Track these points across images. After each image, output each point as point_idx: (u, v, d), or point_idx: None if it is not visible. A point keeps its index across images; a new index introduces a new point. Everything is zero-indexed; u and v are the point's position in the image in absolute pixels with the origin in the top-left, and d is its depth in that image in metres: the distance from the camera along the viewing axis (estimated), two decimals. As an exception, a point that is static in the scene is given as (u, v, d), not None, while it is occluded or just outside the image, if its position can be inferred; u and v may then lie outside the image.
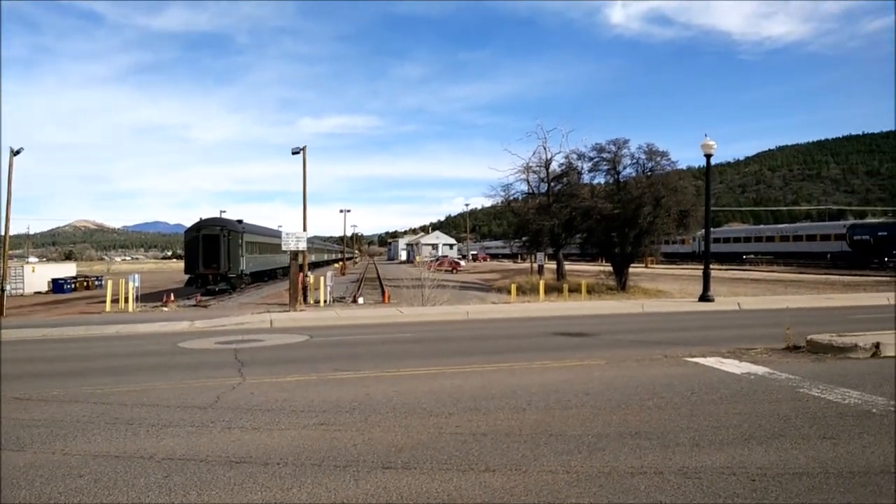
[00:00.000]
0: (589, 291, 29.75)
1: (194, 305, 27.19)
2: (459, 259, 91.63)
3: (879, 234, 57.47)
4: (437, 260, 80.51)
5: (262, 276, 46.73)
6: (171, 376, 9.61)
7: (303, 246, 24.28)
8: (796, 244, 66.97)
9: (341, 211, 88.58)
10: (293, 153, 31.18)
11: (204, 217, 39.45)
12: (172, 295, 27.55)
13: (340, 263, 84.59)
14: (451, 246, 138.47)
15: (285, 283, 37.52)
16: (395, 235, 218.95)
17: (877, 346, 10.28)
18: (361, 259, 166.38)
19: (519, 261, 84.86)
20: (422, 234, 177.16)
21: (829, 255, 60.98)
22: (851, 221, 72.09)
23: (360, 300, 28.48)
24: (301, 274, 26.23)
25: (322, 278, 28.29)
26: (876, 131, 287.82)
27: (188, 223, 40.57)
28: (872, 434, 5.90)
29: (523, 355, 11.20)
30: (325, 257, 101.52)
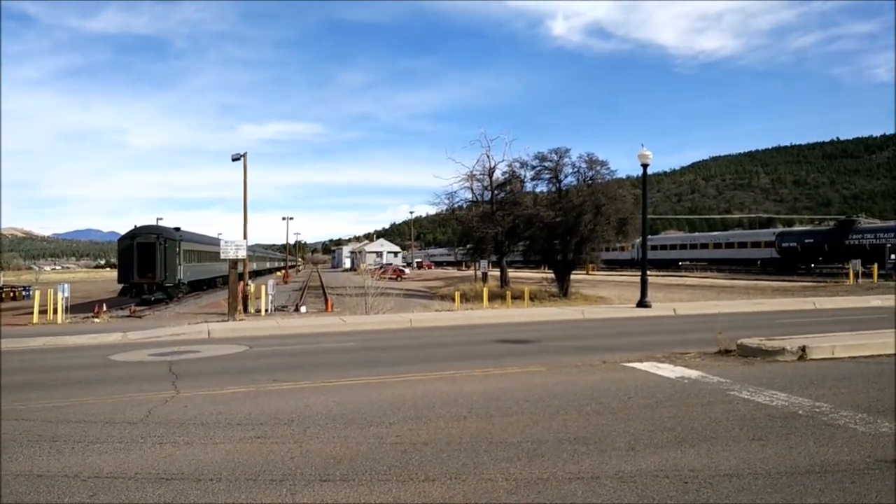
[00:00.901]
0: (532, 298, 30.11)
1: (128, 316, 26.27)
2: (404, 267, 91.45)
3: (806, 241, 60.15)
4: (382, 268, 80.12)
5: (201, 286, 45.56)
6: (100, 390, 9.23)
7: (243, 254, 23.78)
8: (729, 251, 69.46)
9: (284, 218, 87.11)
10: (234, 160, 30.55)
11: (139, 224, 38.26)
12: (105, 305, 26.53)
13: (283, 272, 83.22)
14: (395, 254, 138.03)
15: (225, 292, 36.65)
16: (340, 243, 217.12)
17: (803, 349, 10.72)
18: (305, 267, 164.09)
19: (463, 268, 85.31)
20: (366, 241, 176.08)
21: (759, 262, 63.45)
22: (780, 229, 75.26)
23: (303, 309, 28.07)
24: (241, 283, 25.69)
25: (263, 287, 27.77)
26: (803, 143, 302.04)
27: (122, 231, 39.29)
28: (799, 435, 6.14)
29: (466, 363, 11.22)
30: (267, 265, 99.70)
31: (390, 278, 61.59)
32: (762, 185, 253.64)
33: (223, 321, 21.33)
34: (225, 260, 24.35)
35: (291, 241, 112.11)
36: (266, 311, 26.63)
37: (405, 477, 5.10)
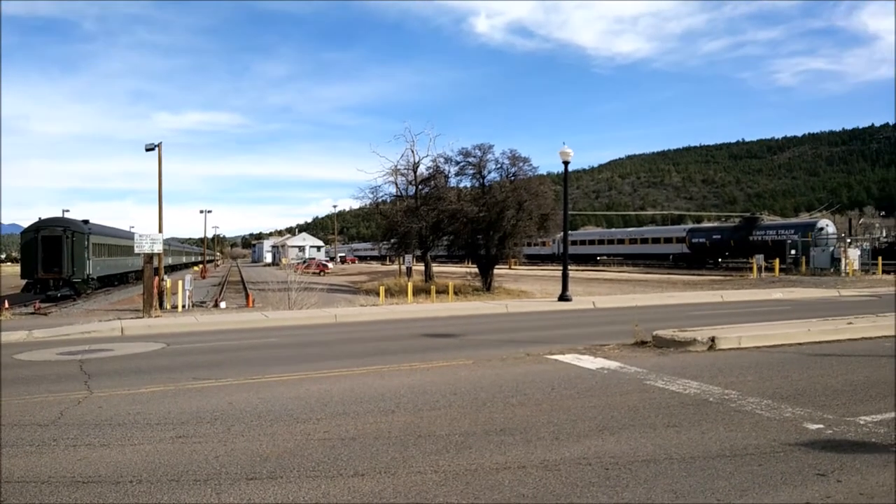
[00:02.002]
0: (456, 293, 30.37)
1: (33, 313, 24.79)
2: (327, 261, 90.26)
3: (714, 237, 63.29)
4: (305, 262, 78.82)
5: (112, 281, 43.59)
6: (5, 392, 8.70)
7: (158, 248, 22.88)
8: (643, 246, 72.23)
9: (202, 211, 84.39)
10: (147, 149, 29.32)
11: (44, 217, 36.16)
12: (7, 302, 24.95)
13: (200, 266, 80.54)
14: (318, 248, 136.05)
15: (138, 287, 35.16)
16: (260, 237, 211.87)
17: (712, 340, 11.31)
18: (224, 262, 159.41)
19: (387, 263, 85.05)
20: (288, 235, 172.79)
21: (671, 257, 66.29)
22: (690, 226, 78.83)
23: (223, 304, 27.27)
24: (157, 278, 24.70)
25: (180, 282, 26.80)
26: (711, 143, 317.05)
27: (26, 223, 37.01)
28: (710, 421, 6.49)
29: (392, 357, 11.24)
30: (184, 260, 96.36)
31: (314, 273, 60.64)
32: (674, 183, 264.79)
33: (137, 318, 20.47)
34: (138, 254, 23.34)
35: (210, 235, 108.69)
36: (183, 306, 25.72)
37: (334, 473, 5.08)
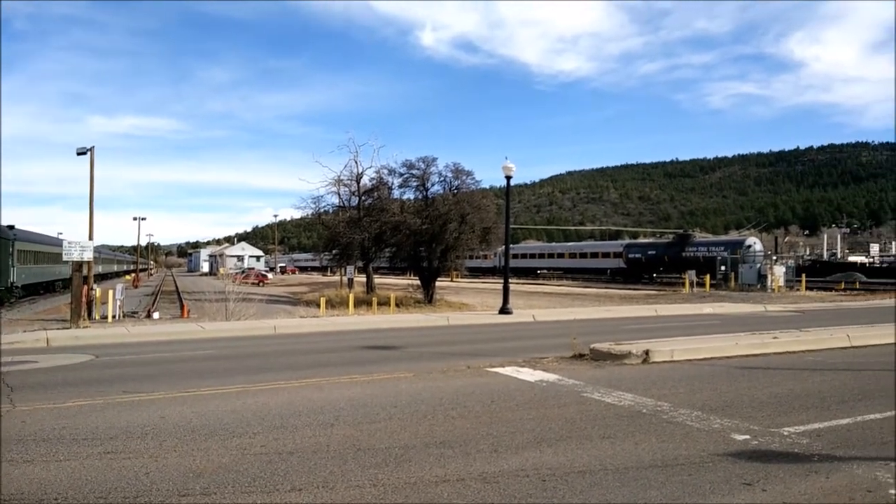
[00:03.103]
0: (398, 304, 30.30)
1: (-52, 323, 23.44)
2: (267, 271, 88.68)
3: (649, 253, 65.21)
4: (244, 272, 77.22)
5: (38, 289, 41.67)
6: (-85, 407, 8.20)
7: (88, 256, 22.03)
8: (582, 261, 73.80)
9: (135, 218, 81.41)
10: (79, 153, 28.29)
11: (-36, 221, 34.31)
12: (-81, 311, 23.53)
13: (133, 275, 77.85)
14: (258, 258, 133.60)
15: (66, 296, 33.71)
16: (197, 246, 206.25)
17: (647, 353, 11.63)
18: (158, 271, 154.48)
19: (329, 274, 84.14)
20: (227, 244, 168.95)
21: (608, 271, 67.91)
22: (627, 241, 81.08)
23: (156, 315, 26.45)
24: (86, 286, 23.76)
25: (111, 291, 25.87)
26: (647, 162, 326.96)
27: (-58, 227, 34.96)
28: (643, 432, 6.67)
29: (332, 370, 11.12)
30: (115, 269, 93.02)
31: (252, 283, 59.44)
32: (612, 199, 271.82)
33: (65, 328, 19.62)
34: (66, 262, 22.42)
35: (143, 243, 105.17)
36: (114, 317, 24.82)
37: (270, 488, 4.99)
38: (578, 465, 5.55)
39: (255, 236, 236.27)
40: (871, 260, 75.90)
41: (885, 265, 66.74)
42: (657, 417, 7.31)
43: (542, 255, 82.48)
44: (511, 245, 30.01)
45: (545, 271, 77.67)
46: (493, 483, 5.09)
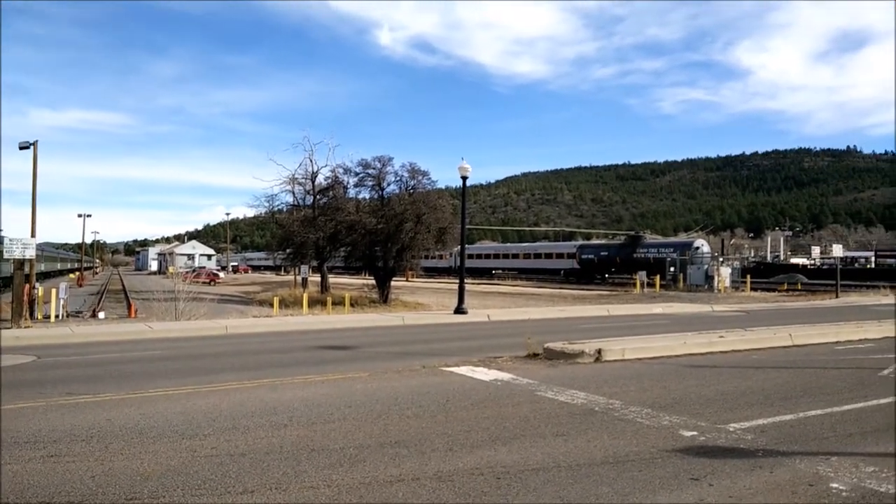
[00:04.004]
0: (352, 304, 30.10)
1: None
2: (218, 270, 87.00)
3: (602, 254, 66.32)
4: (194, 271, 75.52)
5: (-26, 288, 39.91)
6: None
7: (30, 254, 21.25)
8: (537, 261, 74.60)
9: (80, 215, 78.80)
10: (21, 147, 27.21)
11: None
12: None
13: (77, 274, 75.38)
14: (209, 257, 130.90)
15: (7, 296, 32.44)
16: (145, 244, 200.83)
17: (599, 352, 11.83)
18: (104, 269, 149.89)
19: (283, 273, 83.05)
20: (176, 243, 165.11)
21: (562, 272, 68.80)
22: (580, 242, 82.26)
23: (101, 315, 25.67)
24: (28, 285, 22.91)
25: (54, 290, 25.00)
26: (600, 164, 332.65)
27: None
28: (595, 429, 6.78)
29: (286, 370, 10.98)
30: (59, 267, 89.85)
31: (203, 283, 58.19)
32: (566, 200, 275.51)
33: (5, 328, 18.87)
34: (7, 260, 21.58)
35: (89, 241, 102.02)
36: (57, 317, 24.00)
37: (222, 490, 4.90)
38: (532, 462, 5.61)
39: (206, 235, 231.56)
40: (813, 262, 78.71)
41: (825, 267, 69.29)
42: (609, 415, 7.43)
43: (497, 256, 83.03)
44: (466, 245, 30.13)
45: (500, 271, 78.21)
46: (449, 482, 5.10)
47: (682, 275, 49.12)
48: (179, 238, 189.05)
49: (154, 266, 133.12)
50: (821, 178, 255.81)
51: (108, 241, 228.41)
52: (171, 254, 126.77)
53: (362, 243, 35.29)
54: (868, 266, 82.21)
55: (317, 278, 43.96)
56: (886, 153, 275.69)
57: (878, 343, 14.37)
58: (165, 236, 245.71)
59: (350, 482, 5.08)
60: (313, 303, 30.58)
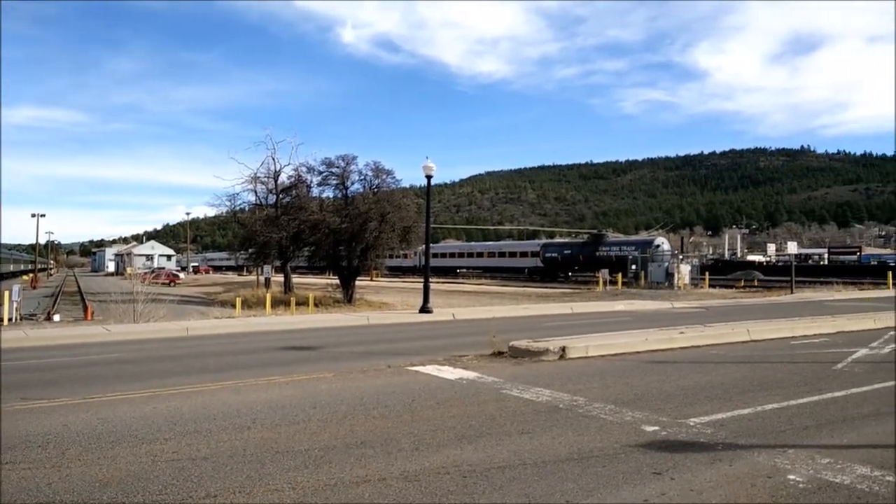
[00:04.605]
0: (317, 304, 29.84)
1: None
2: (178, 271, 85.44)
3: (565, 252, 66.98)
4: (153, 272, 73.99)
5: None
6: None
7: (-20, 255, 20.57)
8: (501, 260, 74.98)
9: (34, 215, 76.59)
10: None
11: None
12: None
13: (31, 275, 73.18)
14: (169, 257, 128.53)
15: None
16: (102, 245, 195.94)
17: (563, 349, 11.94)
18: (59, 271, 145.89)
19: (245, 273, 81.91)
20: (135, 243, 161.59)
21: (526, 270, 69.28)
22: (544, 241, 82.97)
23: (57, 317, 24.99)
24: (-23, 288, 22.16)
25: (7, 292, 24.22)
26: (563, 164, 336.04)
27: None
28: (560, 426, 6.85)
29: (249, 371, 10.83)
30: (11, 268, 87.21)
31: (163, 283, 57.04)
32: (529, 199, 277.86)
33: (-48, 332, 18.22)
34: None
35: (43, 241, 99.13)
36: (10, 319, 23.27)
37: (183, 495, 4.81)
38: (498, 460, 5.63)
39: (165, 235, 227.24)
40: (769, 259, 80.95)
41: (780, 264, 71.23)
42: (573, 412, 7.51)
43: (461, 255, 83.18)
44: (431, 244, 30.13)
45: (465, 270, 78.40)
46: (415, 481, 5.09)
47: (643, 272, 49.86)
48: (138, 238, 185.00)
49: (111, 267, 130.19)
50: (776, 177, 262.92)
51: (63, 242, 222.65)
52: (128, 254, 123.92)
53: (326, 243, 35.02)
54: (822, 263, 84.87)
55: (280, 278, 43.50)
56: (839, 153, 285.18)
57: (832, 338, 14.82)
58: (123, 236, 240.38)
59: (315, 484, 5.04)
60: (276, 303, 30.24)
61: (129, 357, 13.27)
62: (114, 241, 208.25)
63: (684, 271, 46.74)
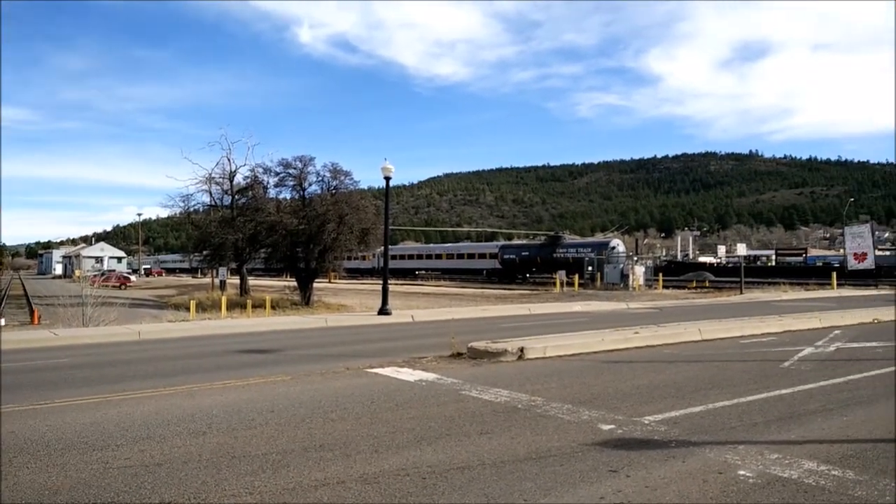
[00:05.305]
0: (274, 307, 29.47)
1: None
2: (129, 274, 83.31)
3: (523, 254, 67.56)
4: (103, 275, 71.99)
5: None
6: None
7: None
8: (460, 261, 75.22)
9: (-25, 215, 73.68)
10: None
11: None
12: None
13: (-28, 278, 70.37)
14: (119, 259, 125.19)
15: None
16: (49, 246, 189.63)
17: (521, 350, 12.05)
18: (3, 273, 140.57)
19: (199, 276, 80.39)
20: (84, 245, 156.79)
21: (485, 272, 69.69)
22: (502, 243, 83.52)
23: (1, 322, 24.09)
24: (-86, 291, 21.25)
25: (-55, 296, 23.28)
26: (521, 166, 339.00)
27: None
28: (518, 426, 6.91)
29: (204, 375, 10.63)
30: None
31: (114, 286, 55.56)
32: (487, 201, 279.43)
33: None
34: None
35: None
36: (-51, 324, 22.33)
37: (137, 502, 4.71)
38: (457, 461, 5.66)
39: (116, 236, 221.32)
40: (719, 260, 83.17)
41: (730, 265, 73.25)
42: (531, 412, 7.59)
43: (420, 256, 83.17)
44: (390, 246, 30.05)
45: (423, 272, 78.38)
46: (374, 484, 5.08)
47: (599, 274, 50.66)
48: (87, 240, 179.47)
49: (59, 270, 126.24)
50: (726, 180, 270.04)
51: (8, 244, 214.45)
52: (77, 256, 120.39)
53: (283, 244, 34.60)
54: (770, 264, 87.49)
55: (236, 281, 42.82)
56: (785, 157, 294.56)
57: (780, 337, 15.30)
58: (71, 238, 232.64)
59: (273, 488, 4.99)
60: (232, 306, 29.76)
61: (78, 362, 12.90)
62: (62, 243, 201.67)
63: (639, 273, 47.64)
